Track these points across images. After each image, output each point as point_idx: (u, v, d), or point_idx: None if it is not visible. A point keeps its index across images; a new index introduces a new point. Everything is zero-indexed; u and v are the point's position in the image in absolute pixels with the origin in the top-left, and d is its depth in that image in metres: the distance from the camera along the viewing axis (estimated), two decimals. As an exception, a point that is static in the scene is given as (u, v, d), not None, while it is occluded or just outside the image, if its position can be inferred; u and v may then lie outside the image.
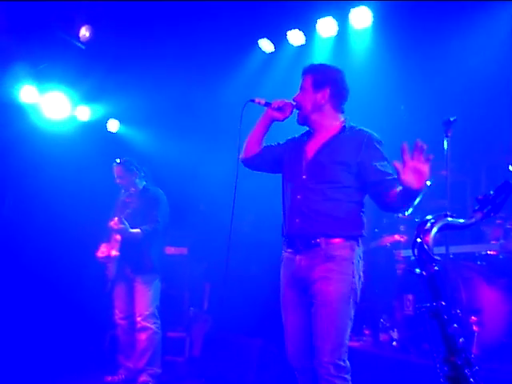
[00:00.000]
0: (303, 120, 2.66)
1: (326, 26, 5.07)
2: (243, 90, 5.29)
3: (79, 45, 5.22)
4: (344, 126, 2.59)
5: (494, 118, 4.55)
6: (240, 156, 2.79)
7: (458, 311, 1.54)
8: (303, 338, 2.50)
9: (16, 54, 4.98)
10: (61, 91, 5.65)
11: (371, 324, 4.34)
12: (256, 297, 4.64)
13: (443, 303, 1.50)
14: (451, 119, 3.70)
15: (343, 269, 2.40)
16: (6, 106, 5.40)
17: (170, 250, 5.42)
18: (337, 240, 2.43)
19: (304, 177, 2.54)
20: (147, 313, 4.22)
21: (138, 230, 4.19)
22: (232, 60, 5.64)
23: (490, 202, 1.57)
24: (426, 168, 2.12)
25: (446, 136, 3.75)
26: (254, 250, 4.53)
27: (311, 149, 2.60)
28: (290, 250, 2.56)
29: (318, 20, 5.07)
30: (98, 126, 6.26)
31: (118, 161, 4.46)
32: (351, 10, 4.89)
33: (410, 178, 2.13)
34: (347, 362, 2.39)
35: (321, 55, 5.22)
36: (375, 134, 2.58)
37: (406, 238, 4.68)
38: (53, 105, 5.64)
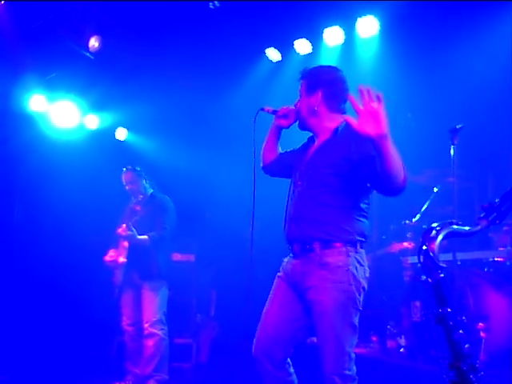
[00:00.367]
0: (302, 125, 2.67)
1: (333, 35, 5.10)
2: (250, 99, 5.31)
3: (88, 55, 5.27)
4: (337, 128, 2.52)
5: (500, 125, 4.56)
6: (260, 164, 2.90)
7: (464, 318, 1.55)
8: (279, 332, 2.47)
9: (26, 63, 5.04)
10: (70, 100, 5.71)
11: (378, 330, 4.34)
12: (263, 303, 4.64)
13: (449, 310, 1.51)
14: (457, 127, 3.72)
15: (337, 277, 2.34)
16: (16, 115, 5.47)
17: (178, 257, 5.43)
18: (331, 245, 2.38)
19: (299, 182, 2.55)
20: (154, 319, 4.22)
21: (145, 237, 4.22)
22: (239, 69, 5.69)
23: (495, 209, 1.58)
24: (378, 110, 1.95)
25: (453, 144, 3.77)
26: (261, 256, 4.54)
27: (310, 154, 2.61)
28: (290, 255, 2.57)
29: (325, 29, 5.11)
30: (107, 135, 6.32)
31: (127, 167, 4.51)
32: (358, 19, 4.93)
33: (365, 126, 1.98)
34: (353, 370, 2.33)
35: (327, 64, 5.24)
36: None
37: (413, 244, 4.68)
38: (62, 113, 5.71)
